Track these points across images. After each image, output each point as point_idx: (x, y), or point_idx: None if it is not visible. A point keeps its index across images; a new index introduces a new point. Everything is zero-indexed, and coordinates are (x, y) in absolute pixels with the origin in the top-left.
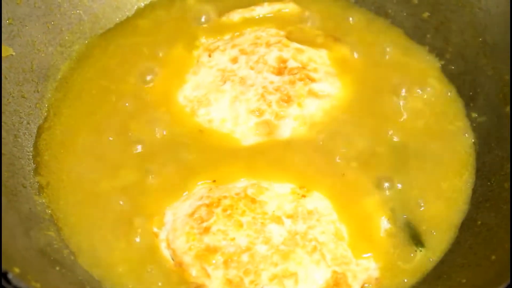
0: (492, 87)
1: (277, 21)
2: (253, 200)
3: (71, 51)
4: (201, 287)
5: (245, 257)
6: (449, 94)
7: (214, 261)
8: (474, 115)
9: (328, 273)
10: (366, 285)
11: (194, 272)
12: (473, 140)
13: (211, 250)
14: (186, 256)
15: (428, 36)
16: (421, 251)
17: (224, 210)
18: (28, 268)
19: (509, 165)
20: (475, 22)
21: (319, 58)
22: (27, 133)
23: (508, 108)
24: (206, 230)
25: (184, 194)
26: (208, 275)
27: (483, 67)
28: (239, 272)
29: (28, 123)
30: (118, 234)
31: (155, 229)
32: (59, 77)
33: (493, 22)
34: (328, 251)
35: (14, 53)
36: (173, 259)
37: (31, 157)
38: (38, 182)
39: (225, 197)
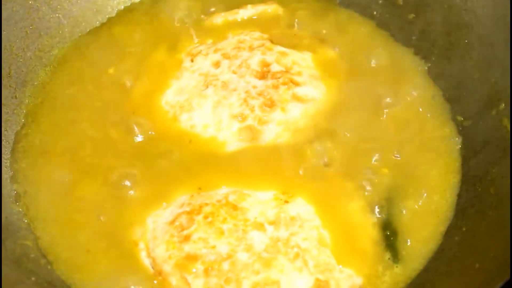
0: (478, 90)
1: (261, 24)
2: (235, 207)
3: (50, 55)
4: None
5: (226, 265)
6: (435, 97)
7: (194, 270)
8: (460, 118)
9: (311, 281)
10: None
11: (174, 281)
12: (459, 145)
13: (191, 259)
14: (166, 265)
15: (414, 38)
16: (396, 267)
17: (205, 217)
18: (2, 280)
19: (494, 170)
20: (461, 24)
21: (303, 61)
22: (4, 140)
23: (494, 112)
24: (187, 238)
25: (165, 202)
26: (188, 284)
27: (469, 70)
28: (220, 281)
29: (5, 129)
30: (97, 243)
31: (135, 238)
32: (37, 82)
33: (479, 24)
34: (311, 258)
35: None
36: (153, 268)
37: (8, 164)
38: (15, 190)
39: (206, 204)
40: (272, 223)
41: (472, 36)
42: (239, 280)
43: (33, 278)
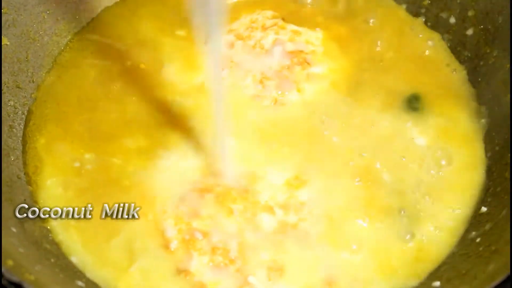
0: (493, 76)
1: (273, 2)
2: (246, 189)
3: (67, 40)
4: (185, 272)
5: (232, 245)
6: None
7: (200, 246)
8: (475, 103)
9: (319, 268)
10: (357, 280)
11: (180, 255)
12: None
13: (199, 235)
14: (173, 239)
15: (429, 24)
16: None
17: (216, 196)
18: (22, 261)
19: (509, 155)
20: (477, 10)
21: (316, 40)
22: (22, 124)
23: (508, 97)
24: (196, 214)
25: (179, 178)
26: (193, 260)
27: (484, 56)
28: (225, 259)
29: (23, 113)
30: (113, 222)
31: (148, 214)
32: (54, 67)
33: (495, 10)
34: (318, 245)
35: (8, 43)
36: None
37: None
38: (28, 172)
39: (218, 184)
40: (281, 207)
41: (487, 21)
42: (245, 260)
43: (52, 260)
